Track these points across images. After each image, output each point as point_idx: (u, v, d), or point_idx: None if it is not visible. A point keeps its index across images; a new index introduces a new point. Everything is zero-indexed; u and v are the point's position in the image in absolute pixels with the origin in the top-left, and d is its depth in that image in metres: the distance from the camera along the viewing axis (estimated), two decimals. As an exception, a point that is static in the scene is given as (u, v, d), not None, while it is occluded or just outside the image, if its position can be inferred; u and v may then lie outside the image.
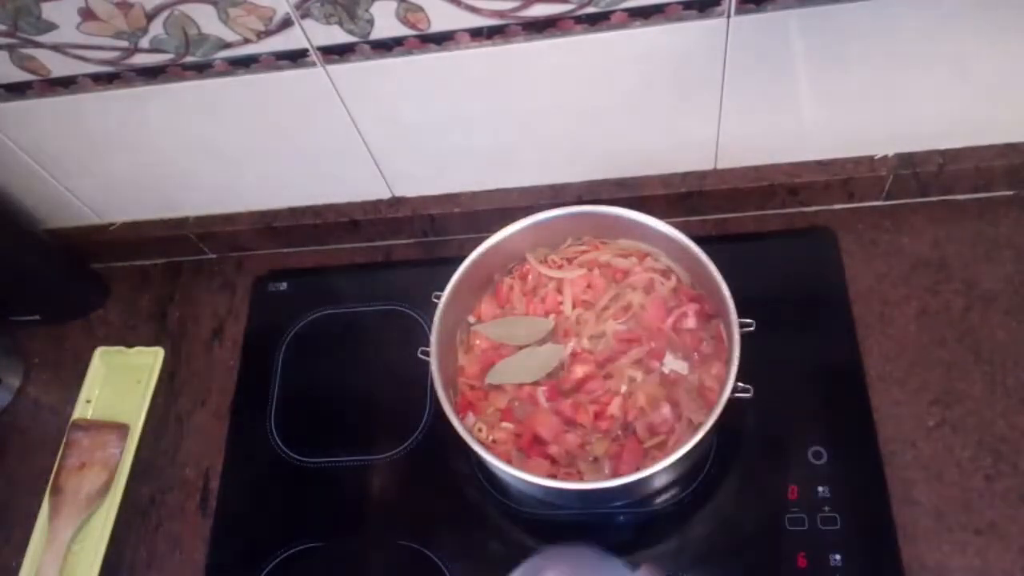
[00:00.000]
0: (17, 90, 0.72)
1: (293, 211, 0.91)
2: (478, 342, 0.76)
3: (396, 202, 0.89)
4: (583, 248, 0.78)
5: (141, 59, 0.69)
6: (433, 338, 0.71)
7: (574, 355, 0.74)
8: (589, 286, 0.76)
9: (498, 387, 0.73)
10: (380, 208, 0.89)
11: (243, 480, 0.82)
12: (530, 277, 0.78)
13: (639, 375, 0.71)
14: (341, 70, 0.70)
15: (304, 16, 0.65)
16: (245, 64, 0.70)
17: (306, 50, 0.68)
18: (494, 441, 0.71)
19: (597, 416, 0.70)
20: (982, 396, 0.73)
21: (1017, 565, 0.66)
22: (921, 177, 0.80)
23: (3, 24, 0.65)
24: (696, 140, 0.79)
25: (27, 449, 0.88)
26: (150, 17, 0.65)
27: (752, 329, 0.67)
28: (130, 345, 0.91)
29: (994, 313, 0.76)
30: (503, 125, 0.77)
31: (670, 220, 0.72)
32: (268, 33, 0.66)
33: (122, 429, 0.85)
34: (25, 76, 0.71)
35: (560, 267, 0.78)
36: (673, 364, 0.71)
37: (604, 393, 0.71)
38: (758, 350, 0.66)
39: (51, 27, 0.66)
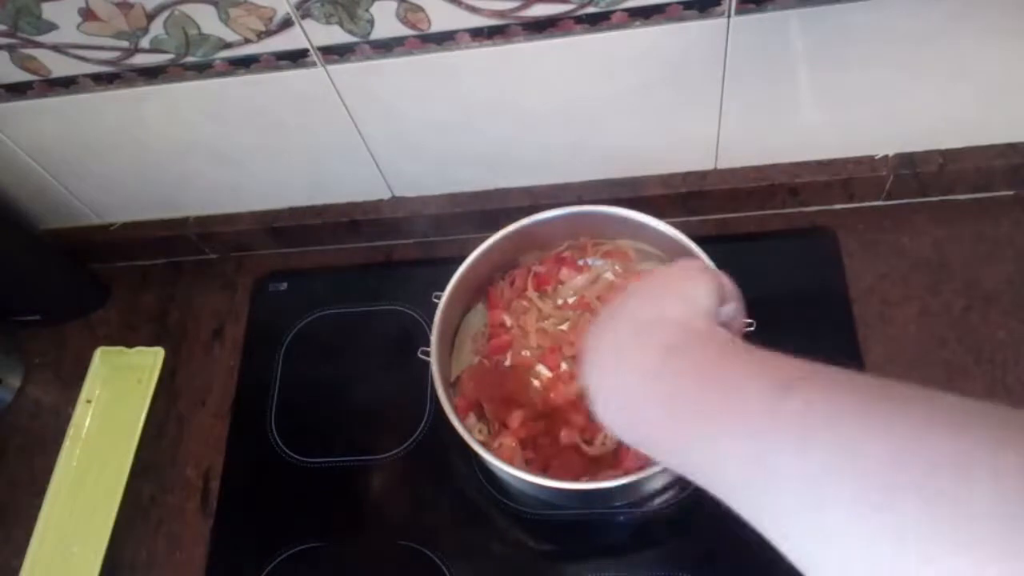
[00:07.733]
0: (17, 90, 0.72)
1: (294, 211, 0.91)
2: (478, 342, 0.76)
3: (396, 202, 0.89)
4: (583, 249, 0.78)
5: (141, 59, 0.69)
6: (433, 338, 0.71)
7: (575, 357, 0.73)
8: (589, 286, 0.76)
9: (498, 387, 0.73)
10: (380, 208, 0.89)
11: (243, 480, 0.82)
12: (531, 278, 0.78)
13: (639, 375, 0.71)
14: (341, 70, 0.70)
15: (304, 16, 0.65)
16: (245, 64, 0.70)
17: (306, 50, 0.68)
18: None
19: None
20: (982, 396, 0.72)
21: (1017, 565, 0.66)
22: (921, 177, 0.80)
23: (3, 24, 0.65)
24: (696, 140, 0.79)
25: (27, 449, 0.88)
26: (150, 17, 0.65)
27: (752, 329, 0.67)
28: (130, 345, 0.91)
29: (994, 313, 0.76)
30: (503, 125, 0.77)
31: (670, 220, 0.72)
32: (268, 33, 0.66)
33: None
34: (25, 76, 0.71)
35: (560, 267, 0.78)
36: (673, 364, 0.71)
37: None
38: (758, 350, 0.65)
39: (51, 27, 0.65)
